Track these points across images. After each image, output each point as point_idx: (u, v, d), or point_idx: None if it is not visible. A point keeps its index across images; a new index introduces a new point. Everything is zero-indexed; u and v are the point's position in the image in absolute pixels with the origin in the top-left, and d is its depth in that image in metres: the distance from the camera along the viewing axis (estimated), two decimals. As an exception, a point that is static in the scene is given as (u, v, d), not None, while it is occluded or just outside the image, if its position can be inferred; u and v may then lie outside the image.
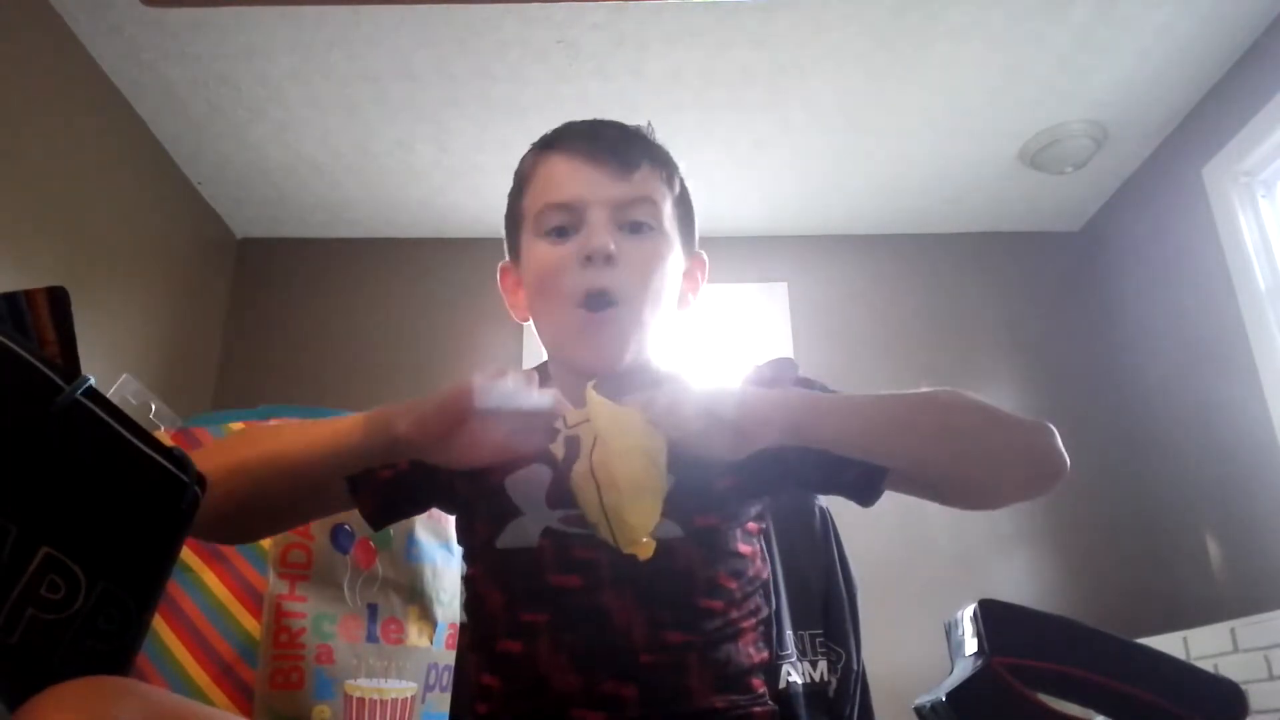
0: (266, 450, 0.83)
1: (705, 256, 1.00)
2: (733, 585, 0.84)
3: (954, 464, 0.80)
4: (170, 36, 2.32)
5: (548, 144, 0.94)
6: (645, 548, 0.74)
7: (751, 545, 0.89)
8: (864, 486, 0.85)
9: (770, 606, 0.92)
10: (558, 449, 0.76)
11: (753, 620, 0.86)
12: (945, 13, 2.30)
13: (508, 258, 0.99)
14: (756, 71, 2.48)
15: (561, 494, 0.81)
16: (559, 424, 0.76)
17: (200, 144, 2.73)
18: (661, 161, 0.93)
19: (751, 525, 0.90)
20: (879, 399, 0.81)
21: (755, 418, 0.74)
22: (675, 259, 0.92)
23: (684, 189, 0.97)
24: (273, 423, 0.92)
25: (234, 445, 0.87)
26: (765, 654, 0.86)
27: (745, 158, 2.84)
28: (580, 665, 0.78)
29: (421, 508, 0.96)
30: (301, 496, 0.85)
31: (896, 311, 3.15)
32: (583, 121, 0.95)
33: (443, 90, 2.53)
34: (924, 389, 0.82)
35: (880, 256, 3.23)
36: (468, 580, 0.90)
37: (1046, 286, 3.21)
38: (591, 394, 0.75)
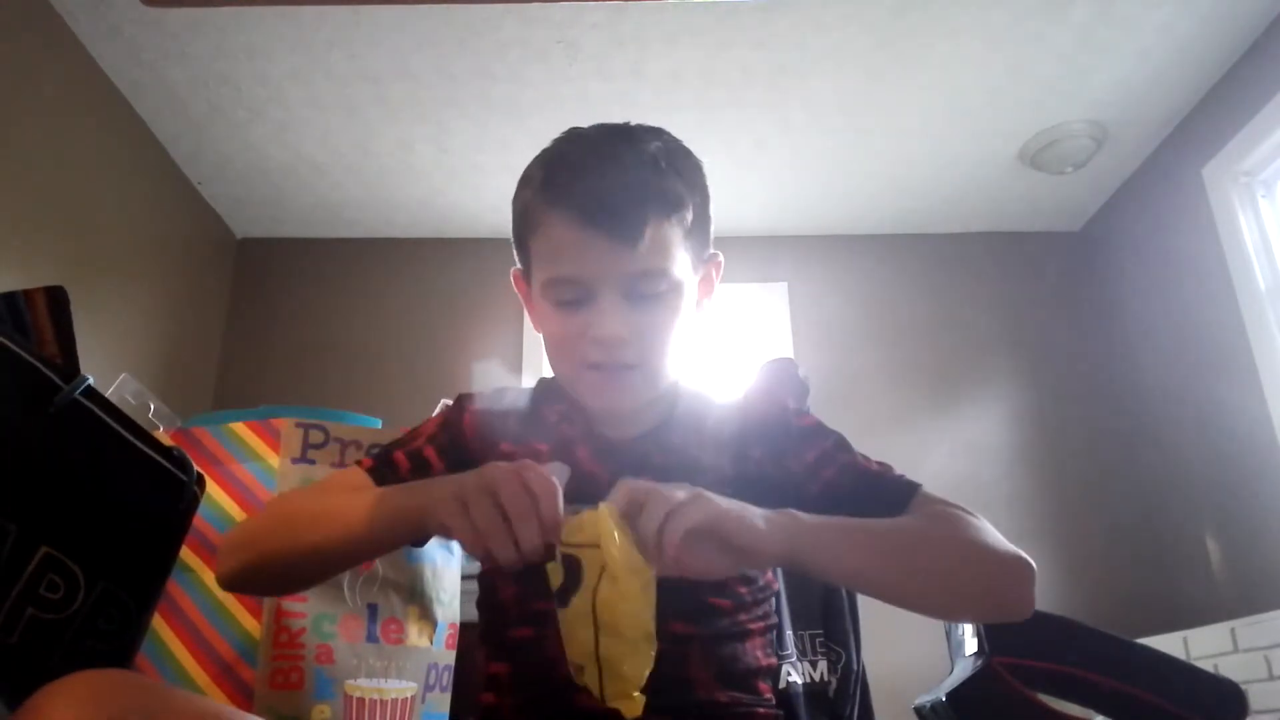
0: (297, 544, 0.81)
1: (721, 256, 0.98)
2: (743, 590, 0.85)
3: (923, 599, 0.81)
4: (170, 36, 2.32)
5: (551, 195, 0.86)
6: (635, 704, 0.67)
7: None
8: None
9: (775, 612, 0.92)
10: (555, 572, 0.69)
11: (761, 624, 0.86)
12: (945, 13, 2.30)
13: (518, 264, 0.97)
14: (756, 71, 2.48)
15: (578, 491, 0.80)
16: (559, 536, 0.69)
17: (200, 144, 2.73)
18: (670, 202, 0.86)
19: None
20: (877, 534, 0.79)
21: (756, 542, 0.71)
22: (689, 296, 0.90)
23: (700, 206, 0.92)
24: (290, 500, 0.91)
25: (261, 533, 0.84)
26: (773, 660, 0.87)
27: (745, 158, 2.84)
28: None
29: None
30: (336, 570, 0.88)
31: (896, 311, 3.15)
32: (586, 165, 0.86)
33: (443, 90, 2.53)
34: (924, 516, 0.81)
35: (880, 256, 3.23)
36: (481, 575, 0.91)
37: (1046, 286, 3.21)
38: (605, 518, 0.67)
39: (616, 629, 0.66)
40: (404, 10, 2.24)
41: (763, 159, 2.85)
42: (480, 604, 0.90)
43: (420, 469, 0.90)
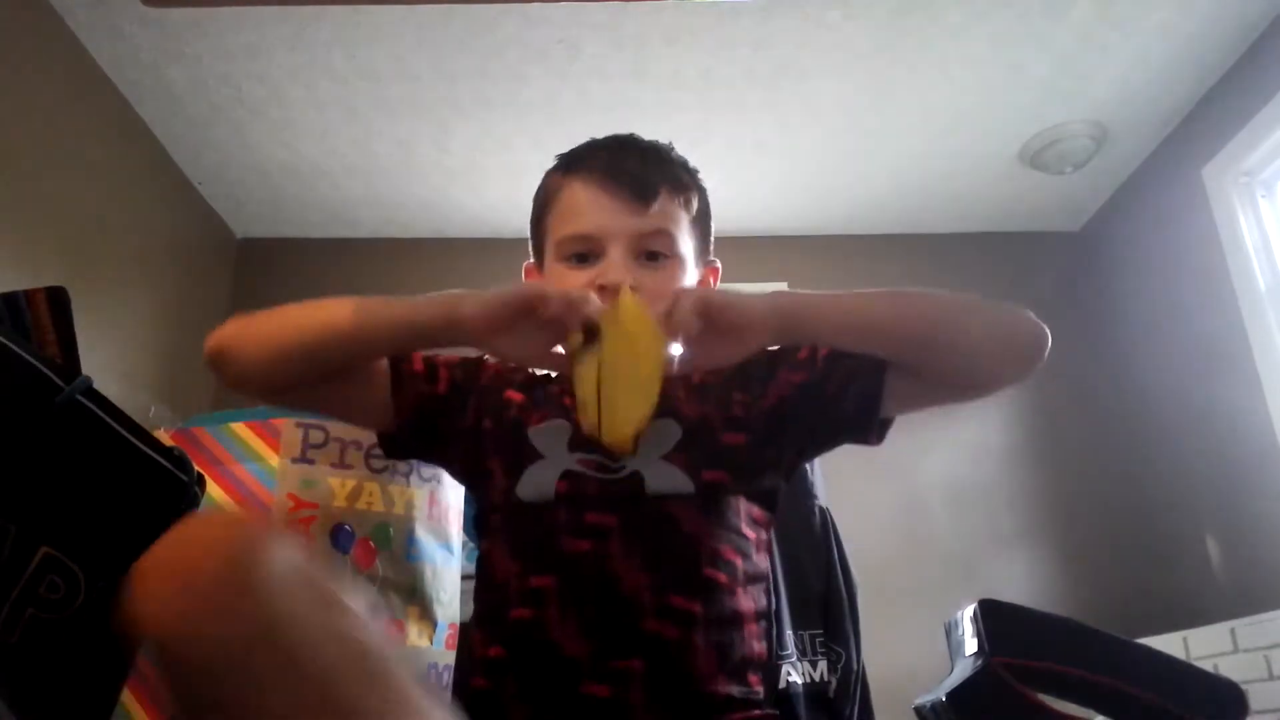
0: (330, 312, 0.88)
1: (719, 264, 1.04)
2: (737, 560, 0.85)
3: (950, 336, 0.85)
4: (170, 36, 2.32)
5: (571, 167, 0.96)
6: (626, 442, 0.77)
7: (757, 532, 0.90)
8: (865, 410, 0.88)
9: (771, 603, 0.92)
10: (575, 337, 0.80)
11: (753, 609, 0.86)
12: (945, 13, 2.30)
13: (532, 259, 1.02)
14: (757, 72, 2.48)
15: (581, 439, 0.86)
16: (589, 308, 0.80)
17: (200, 144, 2.73)
18: (680, 185, 0.96)
19: (758, 512, 0.90)
20: (868, 292, 0.85)
21: (746, 314, 0.80)
22: (689, 280, 0.96)
23: (703, 204, 1.00)
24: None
25: (301, 305, 0.91)
26: (764, 651, 0.87)
27: (745, 158, 2.84)
28: (588, 630, 0.79)
29: (446, 447, 0.96)
30: (353, 361, 0.89)
31: (896, 311, 3.15)
32: (605, 145, 0.97)
33: (443, 90, 2.53)
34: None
35: (880, 256, 3.23)
36: (479, 559, 0.92)
37: (1046, 286, 3.21)
38: (627, 293, 0.81)
39: (617, 375, 0.77)
40: (404, 10, 2.24)
41: (763, 159, 2.85)
42: (478, 588, 0.91)
43: (430, 377, 0.94)
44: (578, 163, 0.96)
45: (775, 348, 0.92)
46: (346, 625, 0.56)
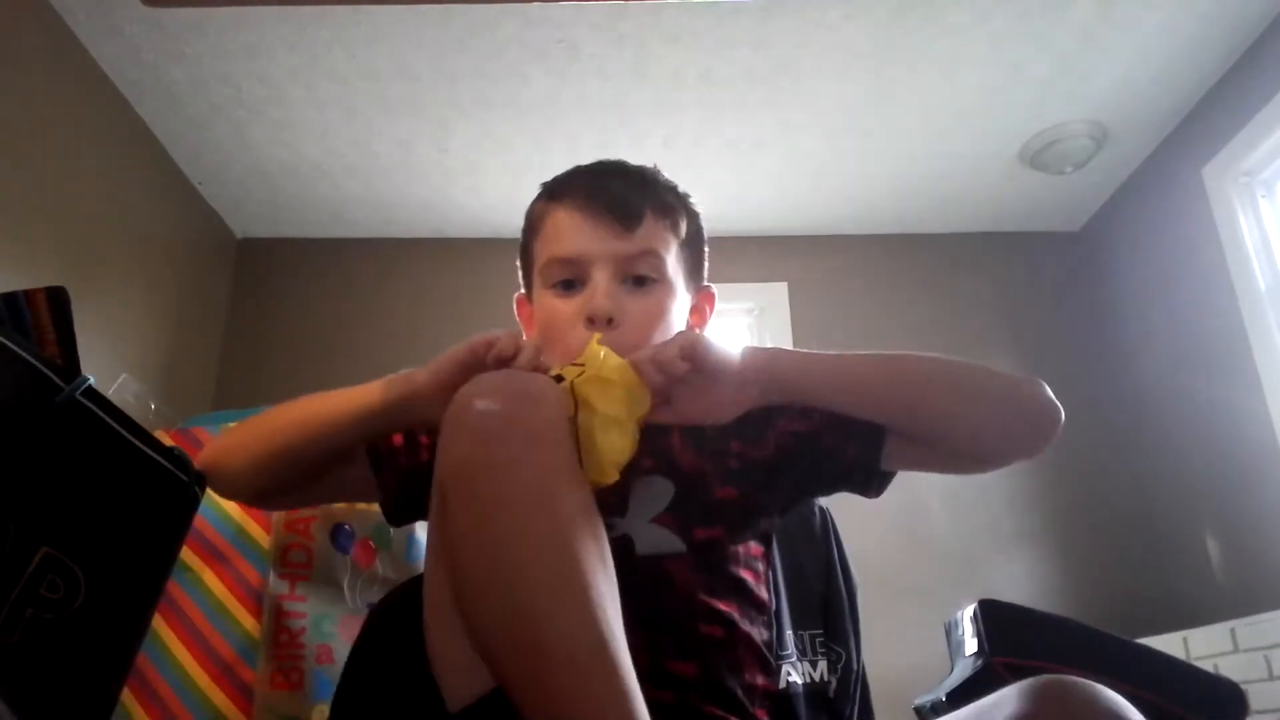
0: (299, 412, 0.88)
1: (714, 290, 1.02)
2: (734, 611, 0.83)
3: (949, 407, 0.82)
4: (170, 36, 2.32)
5: (555, 193, 0.95)
6: (611, 479, 0.77)
7: (754, 568, 0.88)
8: (867, 465, 0.85)
9: (773, 631, 0.91)
10: None
11: (755, 649, 0.84)
12: (945, 13, 2.30)
13: (523, 290, 1.02)
14: (757, 71, 2.48)
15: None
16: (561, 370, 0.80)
17: (200, 144, 2.73)
18: (667, 208, 0.94)
19: (755, 548, 0.89)
20: (865, 355, 0.83)
21: (733, 366, 0.78)
22: (679, 305, 0.93)
23: (693, 227, 0.98)
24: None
25: (274, 410, 0.91)
26: (769, 682, 0.85)
27: (745, 158, 2.84)
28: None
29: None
30: (329, 458, 0.88)
31: (896, 311, 3.15)
32: (589, 170, 0.96)
33: (443, 90, 2.53)
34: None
35: (880, 256, 3.23)
36: None
37: (1046, 286, 3.21)
38: (594, 345, 0.80)
39: (591, 406, 0.76)
40: (404, 10, 2.24)
41: (763, 159, 2.85)
42: None
43: (411, 449, 0.93)
44: (561, 189, 0.95)
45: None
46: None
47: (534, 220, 0.97)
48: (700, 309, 1.00)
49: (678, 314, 0.93)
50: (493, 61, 2.43)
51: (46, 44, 2.24)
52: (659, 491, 0.85)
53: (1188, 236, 2.72)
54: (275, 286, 3.18)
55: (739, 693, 0.80)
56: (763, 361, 0.81)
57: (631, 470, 0.85)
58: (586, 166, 0.97)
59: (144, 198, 2.69)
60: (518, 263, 1.02)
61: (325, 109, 2.59)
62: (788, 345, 3.01)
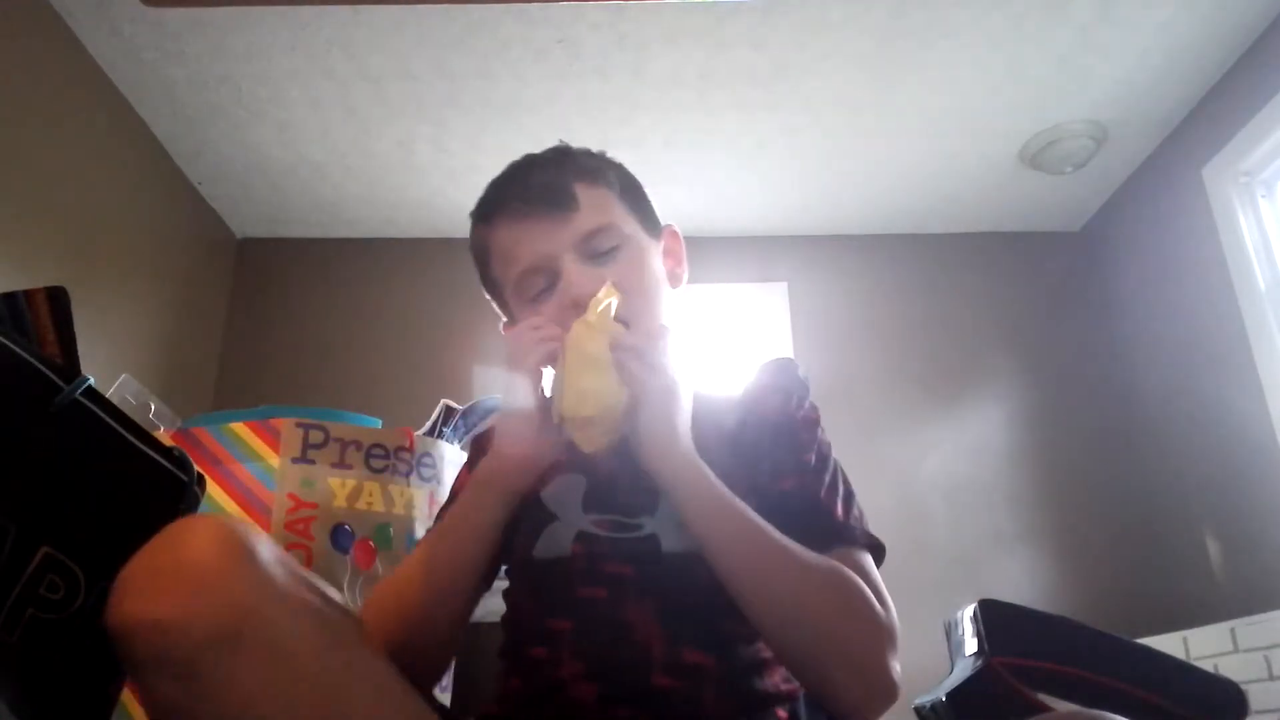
0: (418, 592, 0.84)
1: (676, 228, 1.01)
2: None
3: (771, 621, 0.76)
4: (170, 36, 2.32)
5: (486, 216, 0.94)
6: (584, 434, 0.78)
7: None
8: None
9: None
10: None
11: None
12: (945, 13, 2.30)
13: (504, 319, 1.00)
14: (757, 72, 2.48)
15: (595, 499, 0.85)
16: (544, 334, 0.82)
17: (200, 144, 2.73)
18: (591, 171, 0.93)
19: None
20: (754, 538, 0.76)
21: (651, 453, 0.78)
22: (649, 253, 0.94)
23: (624, 178, 0.97)
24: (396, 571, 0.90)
25: (383, 603, 0.86)
26: (794, 685, 0.83)
27: (745, 158, 2.84)
28: (595, 674, 0.78)
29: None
30: (471, 595, 0.86)
31: (896, 311, 3.15)
32: (505, 177, 0.95)
33: (443, 90, 2.53)
34: (835, 569, 0.77)
35: (880, 256, 3.23)
36: (505, 594, 0.92)
37: (1046, 286, 3.21)
38: (604, 293, 0.81)
39: (573, 354, 0.78)
40: (404, 10, 2.24)
41: (763, 159, 2.85)
42: (503, 621, 0.91)
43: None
44: (489, 208, 0.94)
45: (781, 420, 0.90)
46: (321, 603, 0.63)
47: (481, 249, 0.96)
48: (672, 251, 0.99)
49: (654, 264, 0.94)
50: (493, 61, 2.43)
51: (46, 44, 2.24)
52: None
53: (1188, 236, 2.72)
54: (275, 286, 3.18)
55: (759, 690, 0.79)
56: (667, 465, 0.78)
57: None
58: (500, 177, 0.96)
59: (144, 197, 2.69)
60: (486, 296, 1.01)
61: (325, 109, 2.60)
62: (788, 346, 3.01)
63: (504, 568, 0.94)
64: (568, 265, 0.87)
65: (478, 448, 1.02)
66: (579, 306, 0.84)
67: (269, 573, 0.60)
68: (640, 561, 0.82)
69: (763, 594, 0.76)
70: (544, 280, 0.89)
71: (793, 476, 0.86)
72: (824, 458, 0.89)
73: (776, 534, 0.77)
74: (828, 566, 0.77)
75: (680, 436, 0.78)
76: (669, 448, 0.77)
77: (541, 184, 0.90)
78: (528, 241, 0.89)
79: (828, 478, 0.87)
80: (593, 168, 0.94)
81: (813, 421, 0.91)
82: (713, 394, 0.95)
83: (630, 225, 0.92)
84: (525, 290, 0.90)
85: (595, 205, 0.90)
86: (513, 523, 0.88)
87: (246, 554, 0.59)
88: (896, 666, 0.76)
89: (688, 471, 0.77)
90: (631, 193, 0.96)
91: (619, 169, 0.97)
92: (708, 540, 0.77)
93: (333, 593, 0.67)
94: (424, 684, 0.82)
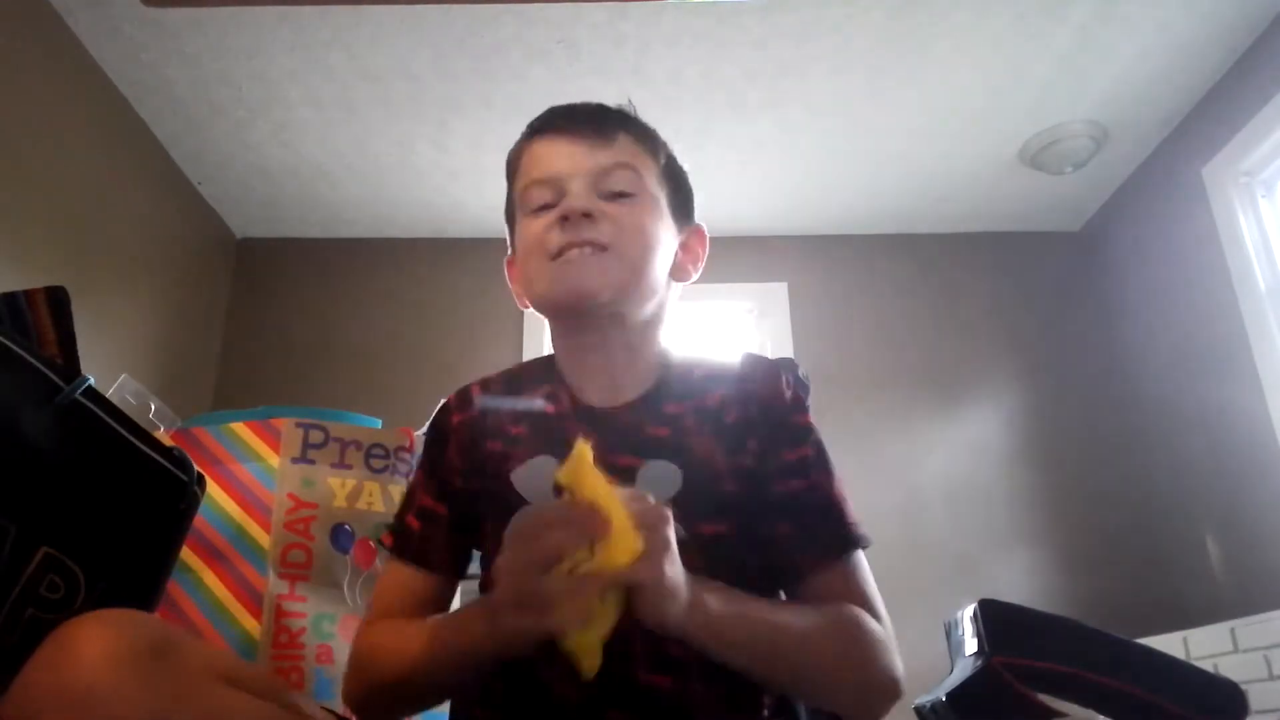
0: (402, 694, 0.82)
1: (705, 229, 0.98)
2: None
3: (798, 696, 0.82)
4: (170, 36, 2.32)
5: (529, 132, 0.95)
6: (592, 661, 0.65)
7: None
8: (782, 569, 0.86)
9: None
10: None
11: None
12: (945, 13, 2.30)
13: (510, 251, 0.98)
14: (756, 72, 2.48)
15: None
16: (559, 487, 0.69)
17: (200, 144, 2.73)
18: (644, 135, 0.94)
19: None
20: (774, 650, 0.74)
21: (656, 626, 0.67)
22: (664, 224, 0.91)
23: (672, 162, 0.96)
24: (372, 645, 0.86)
25: (359, 689, 0.85)
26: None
27: (745, 158, 2.84)
28: (577, 676, 0.77)
29: (478, 536, 0.93)
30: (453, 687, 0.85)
31: (896, 311, 3.15)
32: (565, 105, 0.96)
33: (443, 90, 2.53)
34: (830, 620, 0.78)
35: (880, 256, 3.23)
36: (481, 585, 0.90)
37: (1046, 286, 3.21)
38: (579, 455, 0.67)
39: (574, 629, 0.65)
40: (404, 10, 2.24)
41: (763, 159, 2.85)
42: None
43: (431, 522, 0.90)
44: (537, 124, 0.94)
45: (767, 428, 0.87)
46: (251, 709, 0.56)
47: (513, 161, 0.96)
48: (691, 248, 0.96)
49: (663, 237, 0.90)
50: (493, 61, 2.43)
51: (46, 44, 2.24)
52: (666, 478, 0.82)
53: (1188, 236, 2.72)
54: (275, 286, 3.18)
55: (748, 682, 0.78)
56: (688, 613, 0.69)
57: (641, 451, 0.83)
58: (558, 106, 0.97)
59: (144, 198, 2.69)
60: (505, 222, 0.99)
61: (325, 109, 2.59)
62: (788, 346, 3.01)
63: (477, 554, 0.94)
64: (576, 186, 0.87)
65: (444, 422, 0.94)
66: (568, 219, 0.84)
67: (175, 687, 0.52)
68: None
69: (779, 677, 0.77)
70: (551, 195, 0.88)
71: (798, 477, 0.85)
72: (822, 452, 0.88)
73: (785, 618, 0.76)
74: (834, 628, 0.77)
75: (681, 612, 0.67)
76: (675, 625, 0.68)
77: (589, 113, 0.92)
78: (553, 156, 0.89)
79: (833, 477, 0.87)
80: (647, 133, 0.94)
81: (807, 424, 0.89)
82: (705, 366, 0.92)
83: (655, 189, 0.91)
84: (530, 200, 0.89)
85: (630, 152, 0.90)
86: (486, 524, 0.87)
87: (142, 668, 0.51)
88: (899, 664, 0.79)
89: (695, 629, 0.69)
90: (673, 175, 0.96)
91: (672, 157, 0.97)
92: (727, 659, 0.73)
93: (281, 685, 0.62)
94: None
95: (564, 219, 0.84)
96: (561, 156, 0.89)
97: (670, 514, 0.67)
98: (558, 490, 0.68)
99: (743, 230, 3.16)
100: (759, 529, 0.84)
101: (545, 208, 0.88)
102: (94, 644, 0.51)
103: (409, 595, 0.89)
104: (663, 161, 0.94)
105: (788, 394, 0.89)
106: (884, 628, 0.81)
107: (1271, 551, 2.38)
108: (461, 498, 0.90)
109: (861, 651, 0.78)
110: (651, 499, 0.67)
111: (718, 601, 0.70)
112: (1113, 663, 1.33)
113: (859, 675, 0.78)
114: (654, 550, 0.64)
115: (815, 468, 0.86)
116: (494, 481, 0.86)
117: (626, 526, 0.64)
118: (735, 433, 0.86)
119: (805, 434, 0.87)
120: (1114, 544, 2.85)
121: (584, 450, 0.67)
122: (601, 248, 0.84)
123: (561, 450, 0.77)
